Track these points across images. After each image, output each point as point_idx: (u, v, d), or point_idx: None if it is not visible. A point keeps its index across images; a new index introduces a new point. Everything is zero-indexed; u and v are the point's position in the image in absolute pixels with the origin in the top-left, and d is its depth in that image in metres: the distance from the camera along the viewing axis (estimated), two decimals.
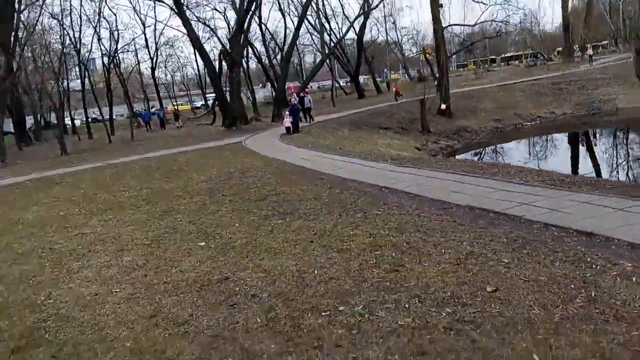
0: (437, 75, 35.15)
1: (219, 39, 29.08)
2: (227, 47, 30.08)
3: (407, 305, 3.87)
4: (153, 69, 41.90)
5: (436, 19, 31.17)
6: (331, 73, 43.13)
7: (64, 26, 32.25)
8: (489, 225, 5.77)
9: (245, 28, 25.95)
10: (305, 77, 34.39)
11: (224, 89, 27.81)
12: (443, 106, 31.65)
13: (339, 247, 5.52)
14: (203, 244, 6.49)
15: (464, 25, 35.63)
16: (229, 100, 26.91)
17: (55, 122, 29.12)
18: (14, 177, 16.25)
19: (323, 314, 3.92)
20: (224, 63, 29.41)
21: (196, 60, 57.07)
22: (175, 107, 40.70)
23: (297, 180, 10.45)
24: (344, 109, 33.80)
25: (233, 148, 18.86)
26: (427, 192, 7.92)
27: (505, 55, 70.88)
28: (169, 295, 4.78)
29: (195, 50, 27.15)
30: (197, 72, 48.14)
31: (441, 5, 33.59)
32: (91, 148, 26.20)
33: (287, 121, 22.80)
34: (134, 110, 41.92)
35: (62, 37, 32.47)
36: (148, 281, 5.28)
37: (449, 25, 33.10)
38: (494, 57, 69.14)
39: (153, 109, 41.48)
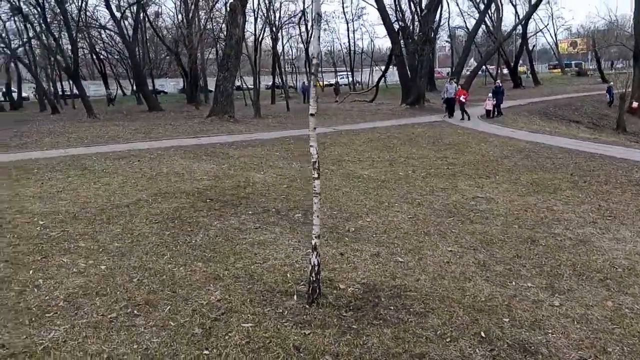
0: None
1: (405, 16, 28.22)
2: (405, 25, 29.41)
3: None
4: (307, 43, 42.33)
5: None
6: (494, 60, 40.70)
7: None
8: None
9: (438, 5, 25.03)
10: (459, 62, 32.53)
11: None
12: (635, 104, 28.82)
13: None
14: None
15: None
16: (410, 77, 26.28)
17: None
18: (254, 133, 16.74)
19: None
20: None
21: (348, 37, 56.88)
22: (336, 82, 40.69)
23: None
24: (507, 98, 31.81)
25: (449, 126, 18.28)
26: None
27: None
28: None
29: (385, 27, 26.57)
30: (348, 49, 48.14)
31: None
32: (277, 114, 26.81)
33: (489, 103, 21.86)
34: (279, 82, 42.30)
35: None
36: None
37: None
38: None
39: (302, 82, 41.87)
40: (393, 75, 52.92)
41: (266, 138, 15.06)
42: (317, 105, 3.93)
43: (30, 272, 4.76)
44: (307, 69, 43.05)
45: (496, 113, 21.77)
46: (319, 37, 3.84)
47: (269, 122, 21.10)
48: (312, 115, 3.92)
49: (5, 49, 31.70)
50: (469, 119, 19.86)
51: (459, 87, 21.10)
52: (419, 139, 14.43)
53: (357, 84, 50.38)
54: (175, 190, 8.24)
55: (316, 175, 3.99)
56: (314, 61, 3.93)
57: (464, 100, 20.26)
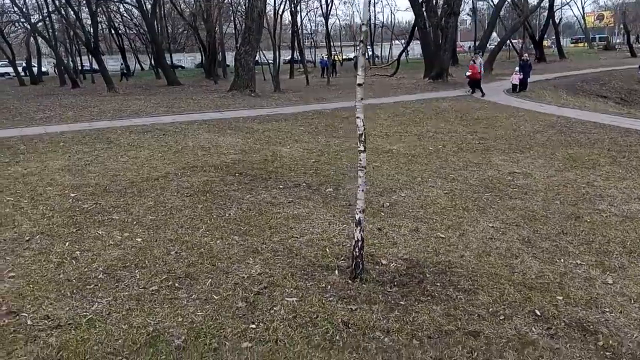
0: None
1: None
2: None
3: None
4: (327, 16, 41.50)
5: None
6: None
7: None
8: None
9: None
10: (484, 36, 31.55)
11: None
12: None
13: None
14: None
15: None
16: (434, 50, 25.66)
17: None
18: (276, 107, 16.53)
19: None
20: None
21: (368, 10, 55.72)
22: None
23: None
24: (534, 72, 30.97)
25: (475, 101, 17.82)
26: None
27: None
28: None
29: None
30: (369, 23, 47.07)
31: None
32: (296, 88, 26.49)
33: (516, 78, 21.24)
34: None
35: None
36: None
37: None
38: None
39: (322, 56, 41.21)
40: (413, 49, 51.92)
41: (289, 112, 14.85)
42: (364, 75, 3.74)
43: (67, 244, 4.75)
44: (327, 43, 42.44)
45: (522, 87, 21.23)
46: (369, 2, 3.63)
47: (290, 96, 20.85)
48: (359, 85, 3.74)
49: (25, 24, 31.72)
50: (471, 93, 19.63)
51: (473, 62, 20.37)
52: (445, 114, 14.09)
53: (377, 58, 49.47)
54: (203, 164, 8.17)
55: (362, 148, 3.83)
56: (363, 28, 3.74)
57: (468, 75, 19.90)
